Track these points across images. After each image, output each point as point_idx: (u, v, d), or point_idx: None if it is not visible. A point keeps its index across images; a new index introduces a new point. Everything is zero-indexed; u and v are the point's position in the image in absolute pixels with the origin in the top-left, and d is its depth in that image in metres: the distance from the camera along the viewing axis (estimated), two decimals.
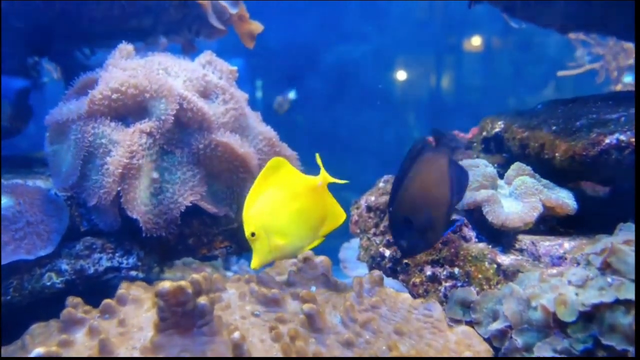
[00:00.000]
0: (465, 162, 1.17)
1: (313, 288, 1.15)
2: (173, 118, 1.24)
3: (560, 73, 3.35)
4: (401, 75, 3.98)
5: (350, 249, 2.10)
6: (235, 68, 1.53)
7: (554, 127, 1.14)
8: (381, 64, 3.97)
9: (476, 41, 3.87)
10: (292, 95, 3.43)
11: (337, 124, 3.94)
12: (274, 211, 1.06)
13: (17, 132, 1.65)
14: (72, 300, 1.10)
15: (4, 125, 1.54)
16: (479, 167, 1.13)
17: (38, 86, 2.08)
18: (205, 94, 1.36)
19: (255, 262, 1.09)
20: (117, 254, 1.26)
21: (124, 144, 1.19)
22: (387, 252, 1.13)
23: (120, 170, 1.17)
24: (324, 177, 1.09)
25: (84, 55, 2.08)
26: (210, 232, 1.38)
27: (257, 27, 1.80)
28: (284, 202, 1.07)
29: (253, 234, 1.05)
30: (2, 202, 1.19)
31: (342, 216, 1.11)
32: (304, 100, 3.95)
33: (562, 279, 0.90)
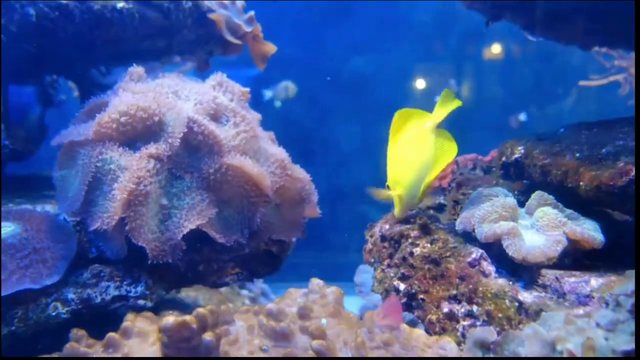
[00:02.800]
0: (484, 191, 1.12)
1: (324, 321, 1.10)
2: (180, 141, 1.21)
3: (582, 83, 3.27)
4: (419, 87, 3.93)
5: (366, 272, 2.06)
6: (247, 89, 1.51)
7: (577, 154, 1.09)
8: (398, 77, 3.93)
9: (496, 49, 3.81)
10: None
11: (354, 137, 3.91)
12: (394, 162, 1.19)
13: (30, 154, 1.65)
14: (75, 332, 1.07)
15: (15, 149, 1.54)
16: (499, 197, 1.08)
17: (55, 104, 2.09)
18: (215, 116, 1.34)
19: (395, 212, 1.24)
20: (125, 282, 1.23)
21: (131, 169, 1.17)
22: (402, 286, 1.08)
23: (124, 196, 1.14)
24: (434, 117, 1.19)
25: (100, 73, 2.09)
26: (221, 259, 1.35)
27: (270, 48, 1.77)
28: (400, 152, 1.19)
29: (388, 187, 1.20)
30: (10, 229, 1.17)
31: (453, 152, 1.18)
32: (321, 113, 3.92)
33: (590, 321, 0.84)
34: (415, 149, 1.17)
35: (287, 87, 3.26)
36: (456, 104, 1.18)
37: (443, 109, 1.18)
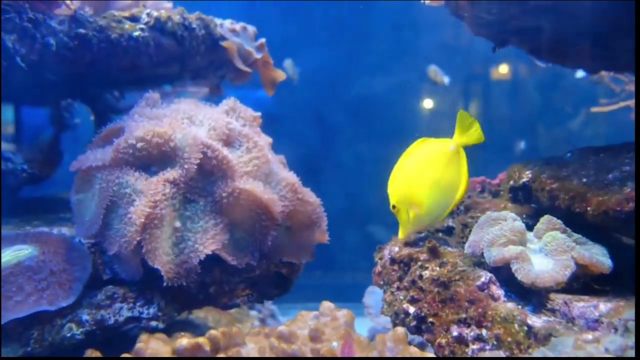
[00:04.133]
0: (492, 215, 1.13)
1: (335, 344, 1.12)
2: (196, 167, 1.24)
3: (594, 109, 3.28)
4: (427, 108, 3.96)
5: (374, 294, 2.06)
6: (258, 114, 1.54)
7: (584, 179, 1.10)
8: (407, 98, 3.96)
9: (504, 69, 3.83)
10: (445, 79, 3.32)
11: (363, 158, 3.93)
12: (409, 183, 1.16)
13: (46, 177, 1.69)
14: (90, 353, 1.09)
15: (33, 172, 1.57)
16: (507, 221, 1.09)
17: (70, 127, 2.14)
18: (228, 141, 1.37)
19: (400, 233, 1.19)
20: (137, 304, 1.25)
21: (147, 193, 1.19)
22: (412, 309, 1.09)
23: (142, 220, 1.16)
24: (457, 141, 1.17)
25: (114, 97, 2.14)
26: (232, 281, 1.36)
27: (279, 75, 1.82)
28: (418, 173, 1.16)
29: (394, 207, 1.16)
30: (28, 251, 1.20)
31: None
32: (330, 134, 3.95)
33: (599, 347, 0.85)
34: (440, 171, 1.17)
35: (288, 65, 3.28)
36: (479, 138, 1.17)
37: (465, 135, 1.17)
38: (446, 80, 3.37)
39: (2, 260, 1.17)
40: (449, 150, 1.16)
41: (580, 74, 3.31)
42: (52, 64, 1.38)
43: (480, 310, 1.00)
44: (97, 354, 1.09)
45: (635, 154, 0.97)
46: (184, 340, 0.99)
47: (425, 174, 1.16)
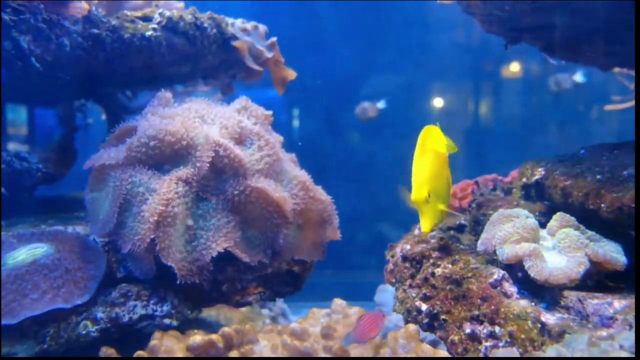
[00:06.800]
0: (505, 212, 1.13)
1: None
2: (208, 165, 1.25)
3: (607, 107, 3.25)
4: (437, 107, 3.95)
5: (386, 292, 2.05)
6: (270, 113, 1.55)
7: (598, 176, 1.09)
8: (417, 96, 3.95)
9: (515, 67, 3.80)
10: (381, 104, 3.17)
11: (373, 157, 3.92)
12: (436, 177, 1.17)
13: (61, 176, 1.71)
14: (105, 351, 1.10)
15: (47, 172, 1.59)
16: (519, 218, 1.09)
17: (83, 127, 2.16)
18: (240, 140, 1.38)
19: (426, 225, 1.16)
20: (151, 301, 1.26)
21: (160, 191, 1.20)
22: (424, 307, 1.09)
23: (155, 218, 1.18)
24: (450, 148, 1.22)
25: (127, 97, 2.15)
26: (244, 278, 1.37)
27: (290, 73, 1.82)
28: (438, 170, 1.18)
29: (429, 196, 1.14)
30: (43, 250, 1.22)
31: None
32: (340, 132, 3.95)
33: (614, 343, 0.84)
34: (447, 172, 1.21)
35: None
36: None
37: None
38: (380, 105, 3.25)
39: (19, 259, 1.19)
40: (446, 155, 1.21)
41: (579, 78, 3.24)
42: (66, 64, 1.39)
43: (493, 307, 0.99)
44: (112, 352, 1.10)
45: (635, 153, 0.96)
46: (198, 337, 1.00)
47: (442, 172, 1.18)
